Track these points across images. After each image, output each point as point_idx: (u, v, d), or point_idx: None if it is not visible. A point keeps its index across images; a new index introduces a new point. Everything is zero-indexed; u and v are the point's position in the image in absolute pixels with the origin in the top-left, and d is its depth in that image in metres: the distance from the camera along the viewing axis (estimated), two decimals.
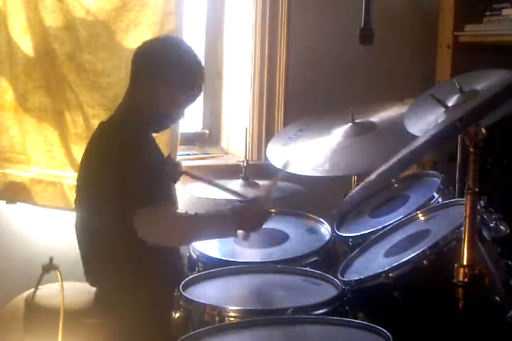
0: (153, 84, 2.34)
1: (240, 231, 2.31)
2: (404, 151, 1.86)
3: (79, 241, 2.44)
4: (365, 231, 2.44)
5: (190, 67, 2.36)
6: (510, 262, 2.06)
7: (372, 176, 1.94)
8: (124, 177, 2.22)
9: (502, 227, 2.03)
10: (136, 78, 2.40)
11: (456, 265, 1.75)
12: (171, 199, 2.42)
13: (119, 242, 2.32)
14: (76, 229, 2.44)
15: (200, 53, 2.53)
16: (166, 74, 2.33)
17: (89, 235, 2.41)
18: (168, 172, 2.48)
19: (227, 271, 2.30)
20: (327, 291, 2.13)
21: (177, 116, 2.44)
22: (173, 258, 2.45)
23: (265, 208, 2.39)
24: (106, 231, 2.33)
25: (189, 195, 2.79)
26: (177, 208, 2.48)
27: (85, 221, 2.41)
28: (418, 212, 2.34)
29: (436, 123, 2.15)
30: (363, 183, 2.02)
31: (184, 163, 3.24)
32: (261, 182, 2.87)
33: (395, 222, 2.37)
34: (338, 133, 2.79)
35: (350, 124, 2.79)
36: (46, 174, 3.04)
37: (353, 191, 2.46)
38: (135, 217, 2.20)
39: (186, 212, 2.34)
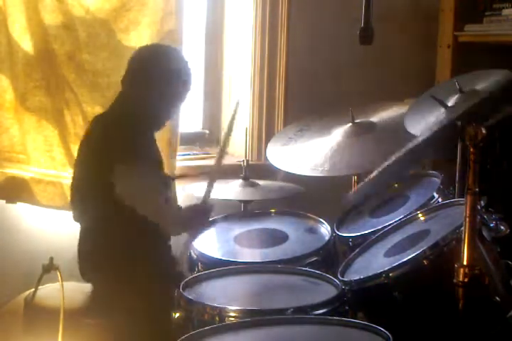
0: (144, 87, 2.45)
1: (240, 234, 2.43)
2: (409, 146, 1.86)
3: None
4: (365, 231, 2.44)
5: (173, 68, 2.48)
6: (510, 262, 2.06)
7: (379, 169, 1.95)
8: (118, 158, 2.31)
9: (502, 227, 2.03)
10: (131, 80, 2.49)
11: (456, 265, 1.75)
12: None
13: (115, 240, 2.34)
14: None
15: (200, 53, 2.57)
16: (154, 77, 2.45)
17: (85, 231, 2.44)
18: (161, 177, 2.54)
19: (227, 271, 2.30)
20: (327, 291, 2.12)
21: (169, 114, 2.55)
22: (168, 257, 2.47)
23: (206, 210, 2.49)
24: (101, 227, 2.38)
25: (188, 195, 2.79)
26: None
27: (82, 217, 2.47)
28: (418, 212, 2.34)
29: (437, 122, 2.15)
30: (370, 176, 2.04)
31: (184, 163, 3.25)
32: (261, 182, 2.87)
33: (395, 222, 2.37)
34: (338, 133, 2.79)
35: (350, 124, 2.79)
36: (46, 174, 3.04)
37: (361, 184, 2.48)
38: (115, 173, 2.28)
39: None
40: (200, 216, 2.47)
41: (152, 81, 2.44)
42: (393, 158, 1.95)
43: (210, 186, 2.49)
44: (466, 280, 1.73)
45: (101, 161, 2.34)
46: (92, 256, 2.42)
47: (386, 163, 1.96)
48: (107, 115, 2.51)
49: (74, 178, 2.54)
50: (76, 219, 2.51)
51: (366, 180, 2.14)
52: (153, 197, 2.37)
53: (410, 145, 1.91)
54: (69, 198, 3.00)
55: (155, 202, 2.38)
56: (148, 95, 2.45)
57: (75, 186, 2.52)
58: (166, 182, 2.56)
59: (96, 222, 2.40)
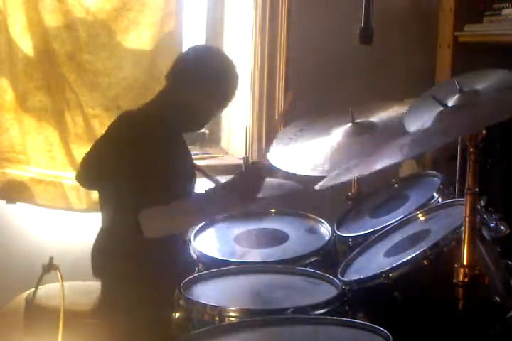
0: (191, 94, 2.40)
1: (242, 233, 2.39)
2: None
3: None
4: (365, 231, 2.43)
5: (229, 81, 2.48)
6: (510, 262, 2.06)
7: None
8: (137, 172, 2.24)
9: (502, 227, 2.03)
10: (176, 81, 2.44)
11: (456, 265, 1.75)
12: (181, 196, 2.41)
13: (122, 238, 2.34)
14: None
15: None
16: (206, 86, 2.41)
17: (101, 228, 2.44)
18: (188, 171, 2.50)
19: (227, 271, 2.30)
20: (327, 291, 2.12)
21: (203, 122, 2.52)
22: (177, 258, 2.46)
23: (258, 174, 2.43)
24: (112, 226, 2.36)
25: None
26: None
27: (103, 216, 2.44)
28: (418, 212, 2.34)
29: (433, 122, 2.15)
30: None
31: None
32: None
33: (395, 222, 2.37)
34: (338, 133, 2.78)
35: (350, 124, 2.79)
36: (46, 174, 3.04)
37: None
38: (140, 216, 2.19)
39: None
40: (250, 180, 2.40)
41: (202, 81, 2.40)
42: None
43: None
44: (466, 280, 1.73)
45: (125, 164, 2.28)
46: (106, 255, 2.41)
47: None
48: (139, 114, 2.42)
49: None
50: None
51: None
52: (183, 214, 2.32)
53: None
54: (69, 198, 3.03)
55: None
56: (196, 94, 2.40)
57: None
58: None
59: (112, 222, 2.39)
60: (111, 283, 2.40)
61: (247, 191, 2.38)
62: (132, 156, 2.25)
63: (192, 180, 2.52)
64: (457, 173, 2.51)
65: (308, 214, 2.75)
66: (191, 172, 2.54)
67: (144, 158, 2.25)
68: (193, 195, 2.45)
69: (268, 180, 2.88)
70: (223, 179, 2.73)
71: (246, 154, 2.95)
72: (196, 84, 2.40)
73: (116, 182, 2.27)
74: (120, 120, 2.42)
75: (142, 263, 2.33)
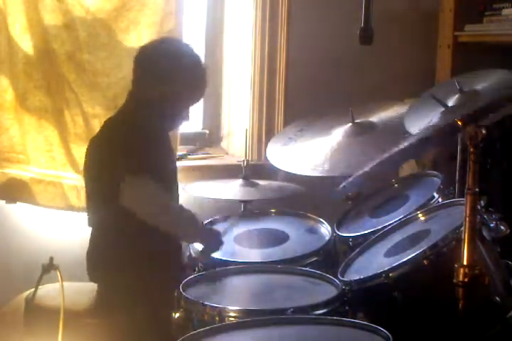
0: (155, 85, 2.37)
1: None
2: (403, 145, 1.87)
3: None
4: (365, 231, 2.44)
5: (190, 67, 2.40)
6: (510, 262, 2.06)
7: (371, 164, 1.95)
8: (126, 155, 2.28)
9: (502, 227, 2.03)
10: (138, 78, 2.44)
11: (456, 265, 1.75)
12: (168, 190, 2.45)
13: (120, 238, 2.34)
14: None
15: (200, 53, 2.55)
16: (167, 75, 2.36)
17: (96, 231, 2.44)
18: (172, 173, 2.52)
19: (227, 271, 2.30)
20: (327, 291, 2.12)
21: (181, 116, 2.47)
22: (175, 258, 2.47)
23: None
24: (108, 227, 2.37)
25: (188, 195, 2.79)
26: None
27: (93, 216, 2.45)
28: (418, 212, 2.34)
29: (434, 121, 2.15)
30: (361, 171, 2.04)
31: (184, 163, 3.25)
32: (261, 182, 2.87)
33: (395, 222, 2.37)
34: (338, 133, 2.79)
35: (350, 124, 2.79)
36: (46, 174, 3.04)
37: (351, 178, 2.47)
38: (123, 184, 2.24)
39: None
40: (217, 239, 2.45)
41: (162, 78, 2.36)
42: (387, 154, 1.95)
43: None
44: (466, 280, 1.73)
45: (111, 167, 2.30)
46: (101, 256, 2.42)
47: (379, 159, 1.96)
48: (117, 118, 2.46)
49: (85, 181, 2.51)
50: (89, 222, 2.48)
51: (357, 174, 2.15)
52: (166, 207, 2.36)
53: (405, 143, 1.91)
54: (69, 198, 3.03)
55: (169, 212, 2.37)
56: (158, 94, 2.38)
57: (86, 189, 2.50)
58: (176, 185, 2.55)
59: (106, 224, 2.40)
60: (109, 285, 2.40)
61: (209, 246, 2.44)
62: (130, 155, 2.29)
63: (176, 180, 2.55)
64: (457, 173, 2.51)
65: (308, 214, 2.75)
66: (175, 172, 2.56)
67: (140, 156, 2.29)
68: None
69: (269, 182, 2.89)
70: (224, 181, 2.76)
71: (246, 156, 2.95)
72: (157, 76, 2.37)
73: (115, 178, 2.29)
74: (103, 127, 2.46)
75: (141, 264, 2.34)
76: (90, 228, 2.46)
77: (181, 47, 2.47)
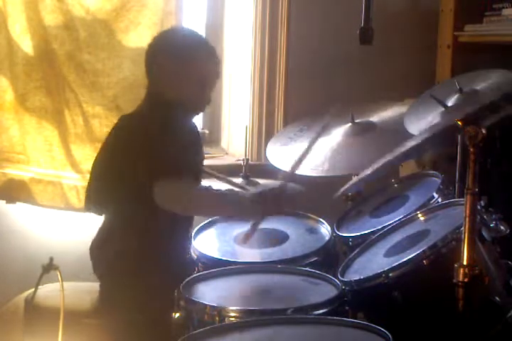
0: (166, 70, 2.38)
1: (241, 234, 2.37)
2: (401, 148, 1.87)
3: None
4: (365, 231, 2.43)
5: (199, 48, 2.42)
6: (510, 262, 2.06)
7: (371, 168, 1.95)
8: (149, 152, 2.23)
9: (502, 227, 2.03)
10: (150, 68, 2.43)
11: (456, 265, 1.75)
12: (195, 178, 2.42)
13: (124, 238, 2.34)
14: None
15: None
16: (177, 57, 2.38)
17: (104, 228, 2.44)
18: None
19: (227, 271, 2.30)
20: (327, 291, 2.12)
21: (201, 102, 2.45)
22: (178, 258, 2.47)
23: (284, 194, 2.33)
24: (114, 225, 2.37)
25: None
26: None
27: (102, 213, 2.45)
28: (418, 212, 2.34)
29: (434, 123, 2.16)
30: (361, 174, 2.04)
31: None
32: (261, 182, 2.87)
33: (395, 222, 2.37)
34: (338, 133, 2.79)
35: (350, 124, 2.79)
36: (46, 174, 3.04)
37: (351, 182, 2.48)
38: (156, 188, 2.18)
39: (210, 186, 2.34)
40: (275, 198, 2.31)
41: (170, 63, 2.37)
42: (388, 157, 1.95)
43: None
44: (466, 280, 1.73)
45: (130, 161, 2.26)
46: (106, 253, 2.41)
47: (381, 162, 1.96)
48: (136, 114, 2.43)
49: (94, 177, 2.47)
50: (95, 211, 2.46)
51: (358, 177, 2.15)
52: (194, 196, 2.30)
53: (406, 146, 1.91)
54: (69, 198, 3.03)
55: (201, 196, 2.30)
56: (169, 81, 2.38)
57: (96, 186, 2.45)
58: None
59: (112, 221, 2.39)
60: (110, 281, 2.40)
61: (271, 207, 2.30)
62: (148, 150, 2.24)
63: (200, 171, 2.52)
64: (457, 173, 2.51)
65: (308, 214, 2.75)
66: (200, 163, 2.54)
67: (162, 149, 2.24)
68: (227, 190, 2.40)
69: (269, 183, 2.89)
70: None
71: (246, 154, 2.95)
72: (171, 64, 2.37)
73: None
74: (123, 123, 2.41)
75: (142, 262, 2.34)
76: (96, 223, 2.45)
77: (186, 31, 2.54)
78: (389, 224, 2.37)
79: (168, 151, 2.25)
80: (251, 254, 2.51)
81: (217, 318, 1.97)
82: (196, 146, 2.53)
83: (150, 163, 2.21)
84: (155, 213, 2.25)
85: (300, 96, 3.35)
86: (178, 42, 2.42)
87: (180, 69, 2.38)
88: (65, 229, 3.07)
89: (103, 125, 3.00)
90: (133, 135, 2.31)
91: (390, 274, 2.01)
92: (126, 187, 2.28)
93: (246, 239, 2.31)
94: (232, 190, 2.42)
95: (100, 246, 2.42)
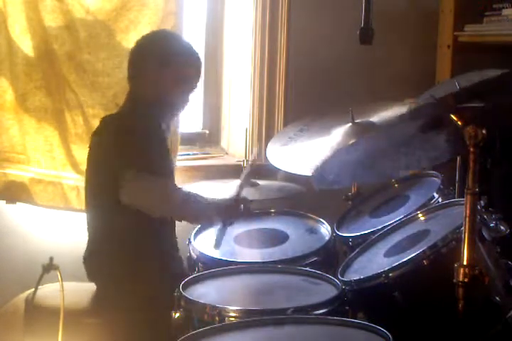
0: (148, 72, 2.44)
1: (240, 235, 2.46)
2: None
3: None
4: (365, 231, 2.44)
5: (181, 51, 2.48)
6: (510, 262, 2.06)
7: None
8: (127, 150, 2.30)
9: (502, 227, 2.03)
10: (133, 70, 2.49)
11: (456, 265, 1.75)
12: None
13: (119, 238, 2.34)
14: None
15: (200, 53, 2.56)
16: (159, 59, 2.43)
17: (92, 230, 2.45)
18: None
19: (227, 271, 2.30)
20: (327, 291, 2.12)
21: (180, 103, 2.50)
22: (173, 257, 2.47)
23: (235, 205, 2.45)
24: (107, 226, 2.39)
25: None
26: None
27: (91, 217, 2.47)
28: (418, 212, 2.34)
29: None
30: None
31: (184, 163, 3.25)
32: (261, 182, 2.87)
33: (395, 222, 2.37)
34: (338, 133, 2.79)
35: (350, 124, 2.79)
36: (46, 174, 3.04)
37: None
38: (125, 182, 2.25)
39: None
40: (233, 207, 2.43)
41: (152, 65, 2.43)
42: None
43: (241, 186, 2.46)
44: (466, 280, 1.73)
45: (113, 163, 2.32)
46: (98, 256, 2.42)
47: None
48: (118, 115, 2.49)
49: (86, 179, 2.53)
50: (88, 225, 2.50)
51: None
52: (170, 195, 2.37)
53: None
54: (69, 198, 3.03)
55: (172, 198, 2.37)
56: (150, 82, 2.44)
57: (86, 186, 2.52)
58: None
59: (105, 223, 2.40)
60: (108, 285, 2.41)
61: (229, 213, 2.43)
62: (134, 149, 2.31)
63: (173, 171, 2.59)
64: (457, 173, 2.51)
65: (308, 214, 2.75)
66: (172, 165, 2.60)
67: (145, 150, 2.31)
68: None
69: (269, 182, 2.89)
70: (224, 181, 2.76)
71: (246, 156, 2.95)
72: (149, 67, 2.43)
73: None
74: (104, 124, 2.47)
75: (140, 264, 2.34)
76: (88, 228, 2.47)
77: (169, 34, 2.61)
78: (389, 224, 2.37)
79: (146, 150, 2.30)
80: (251, 254, 2.51)
81: (217, 318, 1.97)
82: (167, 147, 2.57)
83: (127, 161, 2.27)
84: (139, 212, 2.29)
85: (300, 96, 3.35)
86: (158, 46, 2.48)
87: (157, 72, 2.43)
88: (65, 229, 3.07)
89: None
90: (112, 135, 2.37)
91: (390, 274, 2.01)
92: (108, 187, 2.32)
93: (217, 245, 2.40)
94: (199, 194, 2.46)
95: (91, 254, 2.45)
